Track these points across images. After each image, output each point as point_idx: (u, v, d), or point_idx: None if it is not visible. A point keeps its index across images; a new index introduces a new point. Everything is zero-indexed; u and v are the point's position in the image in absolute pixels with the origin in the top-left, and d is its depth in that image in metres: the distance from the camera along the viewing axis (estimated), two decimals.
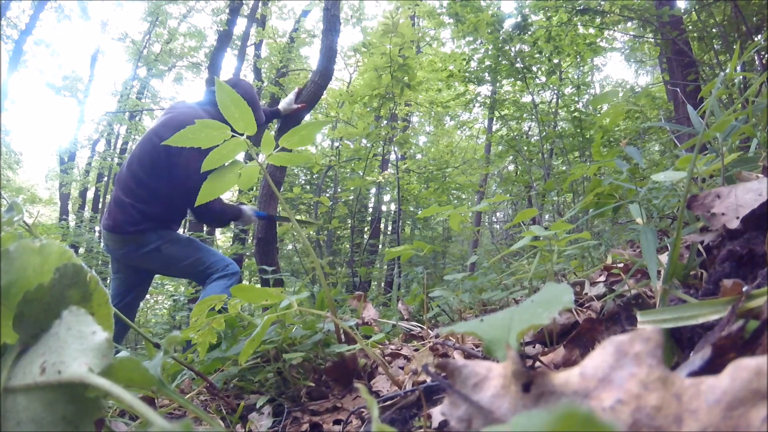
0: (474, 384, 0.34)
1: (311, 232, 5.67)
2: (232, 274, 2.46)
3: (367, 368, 1.06)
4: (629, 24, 6.43)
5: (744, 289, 0.48)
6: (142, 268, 2.49)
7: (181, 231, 2.69)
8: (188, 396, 1.01)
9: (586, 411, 0.20)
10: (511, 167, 10.43)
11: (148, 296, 7.85)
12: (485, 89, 7.34)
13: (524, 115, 7.05)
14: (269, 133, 1.03)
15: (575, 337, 0.75)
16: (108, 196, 13.19)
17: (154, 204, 2.36)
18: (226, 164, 1.04)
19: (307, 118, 3.95)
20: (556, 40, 5.68)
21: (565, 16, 5.72)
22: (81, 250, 10.48)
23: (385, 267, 7.31)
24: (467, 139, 12.99)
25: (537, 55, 5.93)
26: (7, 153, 15.07)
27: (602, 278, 1.04)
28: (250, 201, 6.91)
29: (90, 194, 15.24)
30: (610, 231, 2.46)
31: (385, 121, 6.16)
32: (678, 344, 0.57)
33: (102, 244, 2.59)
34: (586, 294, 0.98)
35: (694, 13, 5.65)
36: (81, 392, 0.37)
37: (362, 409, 0.82)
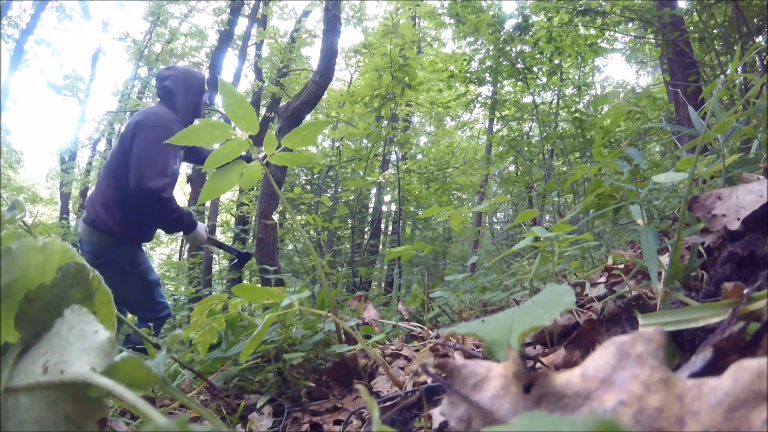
0: (474, 384, 0.34)
1: (311, 232, 5.67)
2: (164, 317, 2.48)
3: (368, 368, 1.06)
4: (630, 25, 6.43)
5: (745, 291, 0.48)
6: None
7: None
8: (188, 396, 1.01)
9: (612, 419, 0.20)
10: (512, 168, 10.43)
11: None
12: (486, 90, 7.35)
13: (525, 115, 7.06)
14: (271, 133, 1.04)
15: (576, 338, 0.75)
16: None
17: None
18: (228, 163, 1.04)
19: (308, 118, 3.95)
20: (557, 41, 5.68)
21: (566, 16, 5.72)
22: None
23: (386, 267, 7.30)
24: (468, 140, 12.99)
25: (538, 56, 5.93)
26: (8, 152, 15.08)
27: (603, 279, 1.04)
28: (251, 201, 6.91)
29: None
30: (610, 232, 2.45)
31: (385, 122, 6.16)
32: (679, 347, 0.57)
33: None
34: (587, 295, 0.98)
35: (695, 13, 5.65)
36: (84, 392, 0.37)
37: (363, 410, 0.82)
